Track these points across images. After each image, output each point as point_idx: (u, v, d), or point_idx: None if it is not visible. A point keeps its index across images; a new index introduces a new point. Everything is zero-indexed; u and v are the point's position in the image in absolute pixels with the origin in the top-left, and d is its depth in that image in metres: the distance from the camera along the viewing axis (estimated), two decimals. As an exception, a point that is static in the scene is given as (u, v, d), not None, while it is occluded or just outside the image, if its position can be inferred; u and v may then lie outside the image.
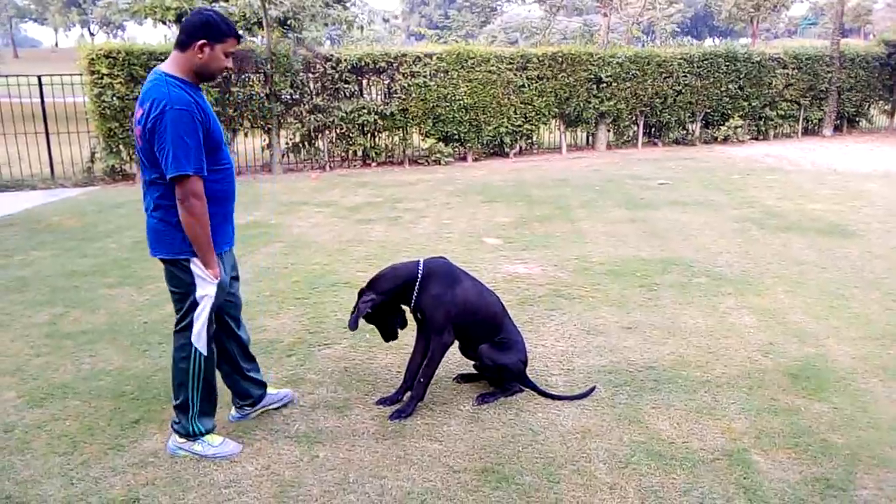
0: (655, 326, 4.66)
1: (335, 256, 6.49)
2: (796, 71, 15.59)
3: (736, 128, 15.20)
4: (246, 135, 12.08)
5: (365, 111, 12.17)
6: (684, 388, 3.77)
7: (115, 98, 10.53)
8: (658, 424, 3.39)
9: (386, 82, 12.51)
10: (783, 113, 15.76)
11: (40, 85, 11.16)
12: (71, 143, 11.35)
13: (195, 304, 3.04)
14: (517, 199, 9.18)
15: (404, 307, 3.63)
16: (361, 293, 3.51)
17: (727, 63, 14.84)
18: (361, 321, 3.47)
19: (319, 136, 12.41)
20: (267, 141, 12.17)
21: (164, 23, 15.45)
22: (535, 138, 14.31)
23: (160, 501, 2.84)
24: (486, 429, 3.38)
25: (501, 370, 3.64)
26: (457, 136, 12.99)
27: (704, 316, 4.84)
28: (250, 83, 11.52)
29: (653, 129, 15.20)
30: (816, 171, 11.50)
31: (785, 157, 13.23)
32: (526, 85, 13.27)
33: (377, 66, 12.26)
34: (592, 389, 3.73)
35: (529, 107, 13.41)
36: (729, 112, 15.22)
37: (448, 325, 3.53)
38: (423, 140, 13.14)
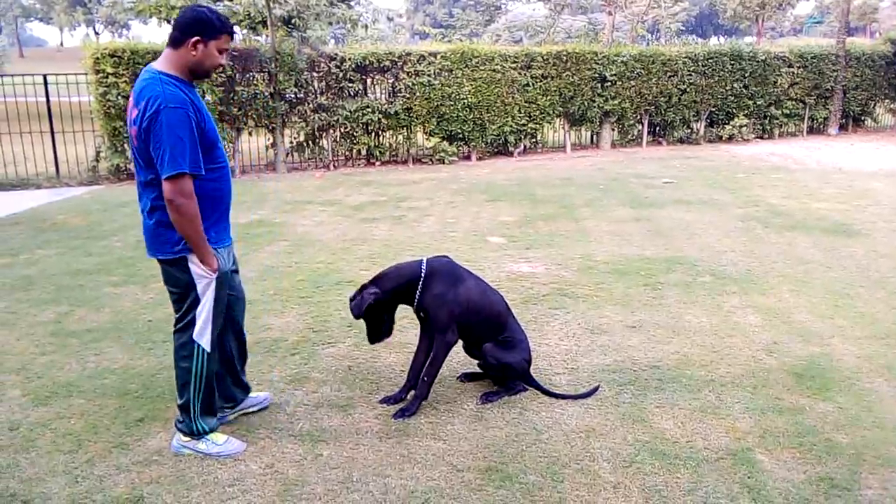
0: (660, 325, 4.65)
1: (339, 255, 6.50)
2: (801, 69, 15.54)
3: (741, 126, 15.16)
4: (250, 134, 12.10)
5: (369, 110, 12.17)
6: (688, 387, 3.76)
7: (119, 97, 10.55)
8: (662, 424, 3.39)
9: (390, 81, 12.51)
10: (788, 112, 15.71)
11: (46, 84, 11.20)
12: (76, 143, 11.38)
13: (196, 302, 3.04)
14: (521, 198, 9.17)
15: (406, 306, 3.63)
16: (364, 288, 3.50)
17: (732, 62, 14.80)
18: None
19: (324, 134, 12.42)
20: (271, 140, 12.18)
21: (168, 22, 15.45)
22: (539, 137, 14.30)
23: (164, 500, 2.85)
24: (490, 428, 3.38)
25: (505, 369, 3.64)
26: (461, 135, 12.98)
27: (709, 315, 4.83)
28: (254, 82, 11.52)
29: (657, 128, 15.17)
30: (822, 169, 11.46)
31: (790, 155, 13.19)
32: (530, 84, 13.26)
33: (381, 65, 12.26)
34: (596, 388, 3.73)
35: (534, 106, 13.39)
36: (734, 111, 15.18)
37: (452, 324, 3.53)
38: (427, 139, 13.14)
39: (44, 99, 11.24)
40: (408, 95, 12.41)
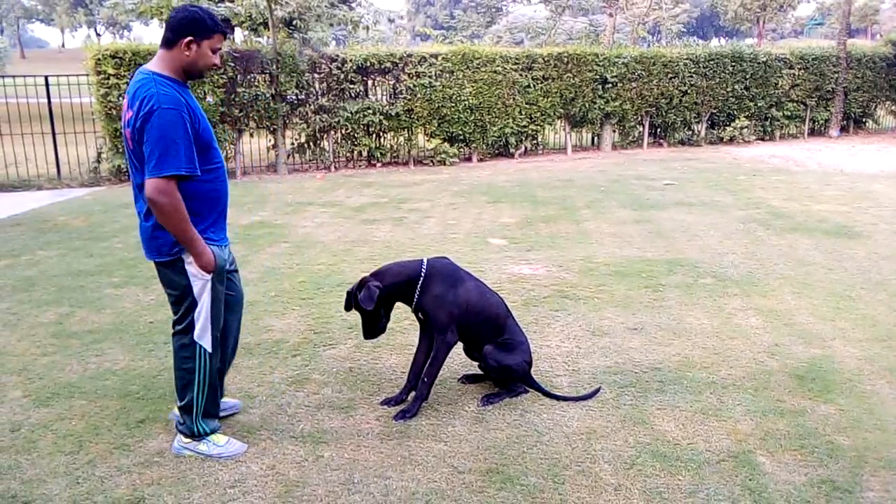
0: (661, 327, 4.65)
1: (340, 257, 6.50)
2: (803, 71, 15.54)
3: (742, 128, 15.16)
4: (251, 135, 12.11)
5: (370, 111, 12.18)
6: (690, 389, 3.76)
7: (121, 98, 10.55)
8: (663, 426, 3.38)
9: (391, 83, 12.51)
10: (789, 113, 15.72)
11: (47, 85, 11.21)
12: (77, 144, 11.39)
13: (194, 304, 3.03)
14: (522, 200, 9.17)
15: (405, 307, 3.62)
16: (364, 281, 3.48)
17: (733, 63, 14.81)
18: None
19: (325, 136, 12.42)
20: (272, 141, 12.19)
21: (170, 23, 15.49)
22: (540, 139, 14.31)
23: (165, 501, 2.85)
24: (491, 429, 3.38)
25: (506, 371, 3.64)
26: (462, 137, 12.99)
27: (710, 317, 4.83)
28: (256, 83, 11.53)
29: (658, 130, 15.17)
30: (823, 171, 11.46)
31: (791, 157, 13.19)
32: (531, 85, 13.26)
33: (382, 67, 12.27)
34: (598, 390, 3.73)
35: (535, 107, 13.40)
36: (735, 112, 15.18)
37: (451, 325, 3.53)
38: (428, 140, 13.15)
39: (45, 100, 11.25)
40: (409, 97, 12.42)
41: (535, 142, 14.21)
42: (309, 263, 6.30)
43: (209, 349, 3.09)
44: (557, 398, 3.66)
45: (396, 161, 13.02)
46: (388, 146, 12.95)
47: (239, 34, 18.52)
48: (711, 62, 14.65)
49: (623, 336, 4.51)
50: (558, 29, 26.78)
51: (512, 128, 13.32)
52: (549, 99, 13.46)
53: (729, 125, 15.22)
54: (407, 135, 12.81)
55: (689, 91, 14.55)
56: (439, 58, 12.52)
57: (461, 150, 13.21)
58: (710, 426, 3.38)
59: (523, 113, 13.34)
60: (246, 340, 4.53)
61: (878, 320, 4.74)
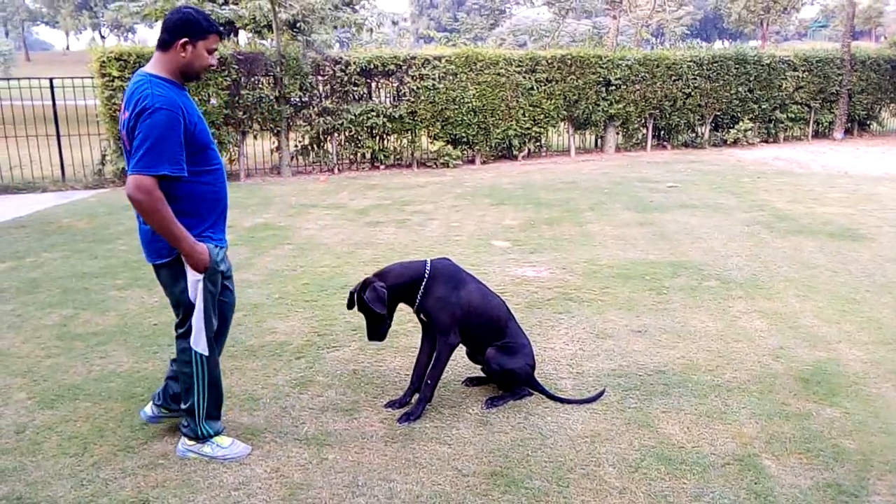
0: (665, 330, 4.64)
1: (344, 259, 6.50)
2: (806, 73, 15.52)
3: (745, 130, 15.15)
4: (255, 137, 12.13)
5: (374, 114, 12.19)
6: (694, 392, 3.75)
7: (125, 101, 10.58)
8: (668, 429, 3.38)
9: (395, 85, 12.53)
10: (793, 116, 15.70)
11: (52, 88, 11.24)
12: (82, 146, 11.42)
13: (192, 307, 3.04)
14: (525, 202, 9.17)
15: (407, 308, 3.62)
16: (367, 282, 3.48)
17: (737, 65, 14.80)
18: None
19: (328, 138, 12.44)
20: (276, 143, 12.21)
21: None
22: (543, 141, 14.30)
23: (170, 503, 2.85)
24: (495, 432, 3.37)
25: (509, 375, 3.63)
26: (465, 139, 12.99)
27: (714, 320, 4.82)
28: (260, 86, 11.55)
29: (662, 132, 15.16)
30: (827, 174, 11.44)
31: (795, 159, 13.17)
32: (534, 87, 13.27)
33: (386, 69, 12.28)
34: (602, 393, 3.72)
35: (538, 109, 13.40)
36: (738, 115, 15.16)
37: (454, 327, 3.53)
38: (431, 143, 13.16)
39: (50, 102, 11.28)
40: (412, 99, 12.43)
41: (538, 144, 14.21)
42: (312, 265, 6.30)
43: (205, 353, 3.09)
44: (561, 401, 3.66)
45: (400, 163, 13.03)
46: (392, 148, 12.96)
47: (243, 36, 18.56)
48: (715, 64, 14.65)
49: (627, 339, 4.50)
50: (562, 31, 26.79)
51: (515, 130, 13.32)
52: (553, 101, 13.46)
53: (733, 127, 15.21)
54: (410, 137, 12.82)
55: (692, 93, 14.55)
56: (443, 60, 12.53)
57: (464, 152, 13.21)
58: (715, 429, 3.37)
59: (526, 115, 13.34)
60: (250, 343, 4.53)
61: (884, 323, 4.72)
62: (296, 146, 12.36)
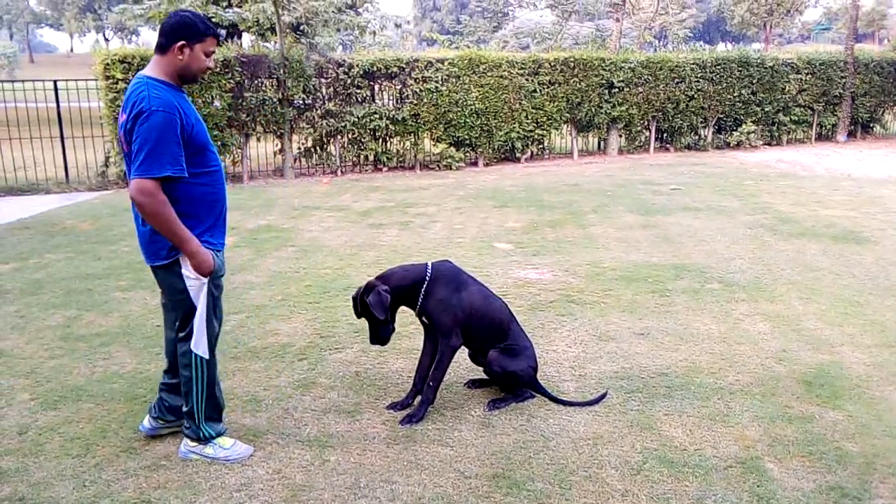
0: (668, 332, 4.63)
1: (347, 261, 6.51)
2: (810, 76, 15.51)
3: (749, 133, 15.14)
4: (258, 139, 12.14)
5: (377, 116, 12.20)
6: (697, 394, 3.74)
7: (129, 103, 10.60)
8: (670, 431, 3.37)
9: (398, 87, 12.54)
10: (796, 118, 15.68)
11: (56, 90, 11.28)
12: (86, 148, 11.45)
13: (194, 310, 3.04)
14: (528, 205, 9.17)
15: (409, 310, 3.62)
16: (370, 285, 3.48)
17: (740, 68, 14.79)
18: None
19: (331, 140, 12.45)
20: (279, 146, 12.22)
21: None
22: (546, 143, 14.31)
23: (172, 504, 2.85)
24: (498, 434, 3.37)
25: (511, 377, 3.63)
26: (468, 141, 13.00)
27: (717, 322, 4.81)
28: (263, 88, 11.57)
29: (665, 135, 15.16)
30: (830, 176, 11.43)
31: (798, 162, 13.15)
32: (537, 90, 13.27)
33: (389, 72, 12.30)
34: (604, 395, 3.72)
35: (541, 112, 13.40)
36: (742, 117, 15.15)
37: (455, 329, 3.53)
38: (434, 145, 13.17)
39: (54, 104, 11.32)
40: (415, 101, 12.44)
41: (541, 146, 14.21)
42: (315, 267, 6.31)
43: (206, 356, 3.10)
44: (564, 403, 3.66)
45: (403, 165, 13.04)
46: (395, 151, 12.97)
47: (246, 39, 18.59)
48: (718, 67, 14.64)
49: (630, 341, 4.50)
50: (564, 34, 26.81)
51: (518, 132, 13.33)
52: (556, 104, 13.46)
53: (736, 130, 15.20)
54: (413, 139, 12.83)
55: (695, 96, 14.54)
56: (445, 63, 12.54)
57: (467, 154, 13.22)
58: (718, 432, 3.36)
59: (529, 118, 13.34)
60: (252, 344, 4.54)
61: (887, 326, 4.71)
62: (299, 148, 12.38)
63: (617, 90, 13.90)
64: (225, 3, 16.44)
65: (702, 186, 10.40)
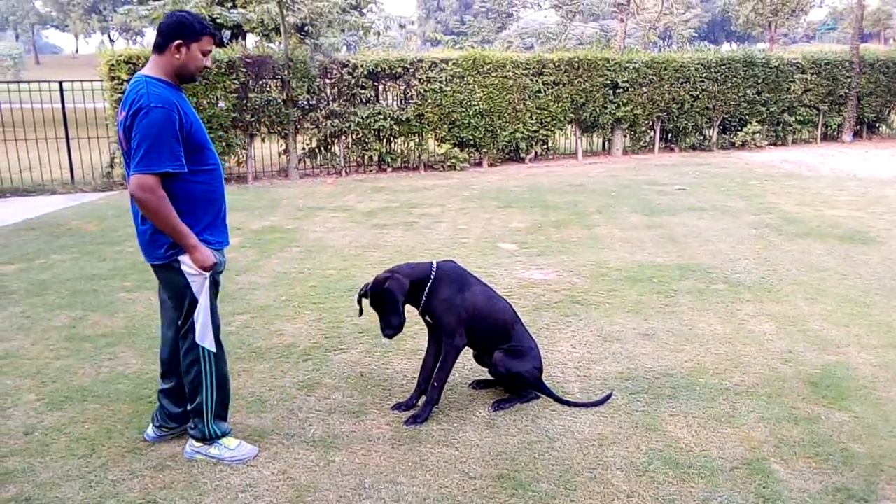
0: (673, 333, 4.62)
1: (351, 261, 6.51)
2: (815, 76, 15.46)
3: (754, 133, 15.10)
4: (263, 140, 12.16)
5: (381, 116, 12.21)
6: (702, 395, 3.74)
7: (134, 104, 10.62)
8: (676, 432, 3.36)
9: (402, 88, 12.55)
10: (802, 118, 15.64)
11: (61, 91, 11.31)
12: (91, 149, 11.48)
13: (194, 305, 3.05)
14: (533, 205, 9.16)
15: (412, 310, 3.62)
16: (380, 279, 3.45)
17: (745, 68, 14.76)
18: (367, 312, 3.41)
19: (336, 141, 12.46)
20: (284, 146, 12.24)
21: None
22: (550, 144, 14.30)
23: (177, 505, 2.86)
24: (503, 435, 3.37)
25: (516, 378, 3.63)
26: (472, 142, 13.00)
27: (722, 323, 4.80)
28: (268, 89, 11.58)
29: (669, 135, 15.13)
30: (836, 176, 11.39)
31: (804, 162, 13.11)
32: (542, 90, 13.26)
33: (393, 72, 12.31)
34: (609, 396, 3.71)
35: (545, 112, 13.39)
36: (747, 117, 15.12)
37: (460, 329, 3.53)
38: (438, 145, 13.17)
39: (59, 105, 11.35)
40: (419, 102, 12.45)
41: (545, 147, 14.20)
42: (320, 268, 6.31)
43: (213, 350, 3.10)
44: (569, 404, 3.65)
45: (407, 166, 13.04)
46: (399, 151, 12.97)
47: (251, 40, 18.63)
48: (723, 67, 14.61)
49: (635, 342, 4.49)
50: (569, 34, 26.79)
51: (522, 133, 13.32)
52: (560, 104, 13.45)
53: (741, 130, 15.16)
54: (417, 140, 12.83)
55: (700, 96, 14.51)
56: (450, 63, 12.54)
57: (471, 154, 13.22)
58: (724, 433, 3.35)
59: (534, 118, 13.33)
60: (257, 345, 4.54)
61: (893, 326, 4.70)
62: (303, 149, 12.39)
63: (621, 90, 13.88)
64: (229, 4, 16.47)
65: (707, 186, 10.37)
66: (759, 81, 14.91)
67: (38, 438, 3.39)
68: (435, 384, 3.54)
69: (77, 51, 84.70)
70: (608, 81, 13.76)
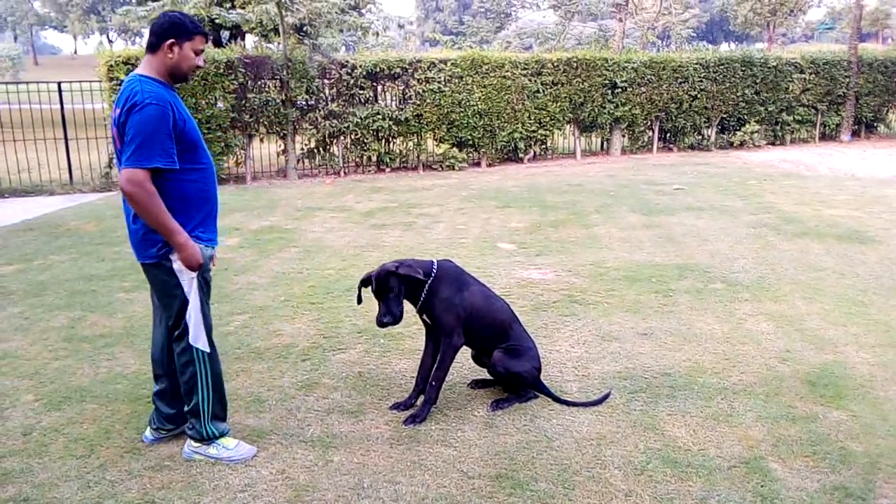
0: (671, 332, 4.63)
1: (350, 261, 6.51)
2: (813, 75, 15.47)
3: (752, 133, 15.11)
4: (262, 140, 12.16)
5: (379, 117, 12.21)
6: (700, 394, 3.74)
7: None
8: (674, 431, 3.37)
9: (401, 88, 12.55)
10: (800, 118, 15.65)
11: (60, 91, 11.30)
12: (90, 149, 11.48)
13: (186, 305, 3.05)
14: (531, 205, 9.17)
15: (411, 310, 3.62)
16: (385, 268, 3.44)
17: (743, 68, 14.76)
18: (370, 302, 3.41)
19: (334, 141, 12.46)
20: (282, 146, 12.24)
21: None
22: (549, 144, 14.30)
23: (176, 505, 2.86)
24: (501, 435, 3.37)
25: (515, 378, 3.63)
26: (471, 142, 13.00)
27: (721, 322, 4.81)
28: (266, 89, 11.58)
29: (668, 135, 15.14)
30: (834, 176, 11.40)
31: (802, 162, 13.12)
32: (540, 90, 13.27)
33: (392, 72, 12.31)
34: (607, 396, 3.71)
35: (544, 112, 13.40)
36: (745, 117, 15.12)
37: (458, 328, 3.54)
38: (437, 145, 13.17)
39: (58, 106, 11.35)
40: (418, 102, 12.45)
41: (544, 147, 14.20)
42: (318, 268, 6.31)
43: (207, 350, 3.10)
44: (567, 403, 3.65)
45: (406, 166, 13.04)
46: (398, 151, 12.97)
47: (250, 40, 18.63)
48: (721, 67, 14.62)
49: (633, 341, 4.49)
50: (567, 34, 26.80)
51: (521, 133, 13.32)
52: (559, 104, 13.46)
53: (739, 130, 15.17)
54: (416, 140, 12.84)
55: (698, 96, 14.52)
56: (448, 63, 12.55)
57: (470, 154, 13.22)
58: (721, 432, 3.36)
59: (532, 118, 13.34)
60: (256, 345, 4.55)
61: (891, 325, 4.70)
62: (302, 149, 12.39)
63: (620, 90, 13.89)
64: (228, 5, 16.48)
65: (705, 186, 10.38)
66: (758, 81, 14.91)
67: (36, 439, 3.39)
68: (433, 384, 3.54)
69: (76, 51, 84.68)
70: (606, 81, 13.76)
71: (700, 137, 15.16)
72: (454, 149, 12.94)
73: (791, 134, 15.85)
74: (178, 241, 2.94)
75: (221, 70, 11.05)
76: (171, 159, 2.90)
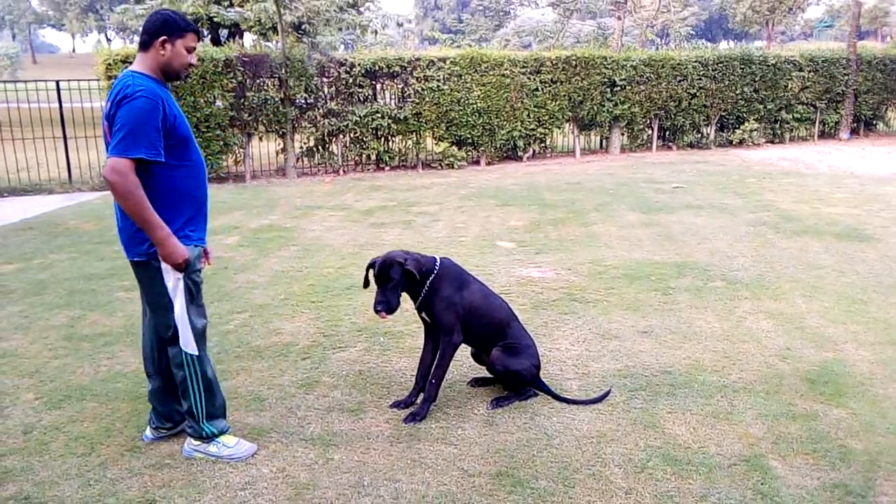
0: (671, 330, 4.63)
1: (349, 260, 6.51)
2: (812, 73, 15.47)
3: (751, 131, 15.11)
4: (261, 139, 12.16)
5: (379, 115, 12.21)
6: (700, 392, 3.74)
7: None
8: (674, 429, 3.37)
9: (400, 86, 12.54)
10: (799, 116, 15.65)
11: (58, 90, 11.29)
12: (88, 148, 11.46)
13: (171, 307, 3.04)
14: (530, 203, 9.17)
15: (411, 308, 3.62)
16: (397, 256, 3.44)
17: (742, 66, 14.77)
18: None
19: (333, 140, 12.46)
20: (281, 145, 12.23)
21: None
22: (548, 142, 14.30)
23: (176, 503, 2.86)
24: (501, 433, 3.37)
25: (514, 376, 3.64)
26: (470, 140, 13.00)
27: (720, 320, 4.81)
28: (265, 88, 11.57)
29: (667, 133, 15.14)
30: (833, 174, 11.41)
31: (801, 160, 13.13)
32: (539, 89, 13.26)
33: (391, 71, 12.30)
34: (607, 394, 3.71)
35: (543, 110, 13.39)
36: (744, 115, 15.13)
37: (457, 326, 3.54)
38: (436, 144, 13.17)
39: (56, 105, 11.34)
40: (417, 100, 12.44)
41: (543, 145, 14.20)
42: (318, 267, 6.31)
43: (195, 353, 3.10)
44: (567, 401, 3.66)
45: (405, 164, 13.04)
46: (397, 150, 12.97)
47: (248, 38, 18.61)
48: (720, 65, 14.62)
49: (633, 339, 4.50)
50: (566, 32, 26.79)
51: (520, 131, 13.32)
52: (558, 102, 13.45)
53: (738, 128, 15.18)
54: (415, 138, 12.84)
55: (697, 94, 14.52)
56: (447, 61, 12.54)
57: (469, 153, 13.22)
58: (721, 430, 3.36)
59: (531, 116, 13.34)
60: (256, 343, 4.55)
61: (891, 323, 4.71)
62: (301, 148, 12.38)
63: (619, 88, 13.89)
64: (227, 3, 16.46)
65: (704, 184, 10.39)
66: (757, 79, 14.92)
67: (36, 437, 3.39)
68: (433, 381, 3.55)
69: (74, 50, 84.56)
70: (606, 79, 13.76)
71: (699, 136, 15.16)
72: (453, 147, 12.94)
73: (790, 132, 15.86)
74: (158, 236, 2.91)
75: (220, 68, 11.03)
76: (157, 151, 2.90)
